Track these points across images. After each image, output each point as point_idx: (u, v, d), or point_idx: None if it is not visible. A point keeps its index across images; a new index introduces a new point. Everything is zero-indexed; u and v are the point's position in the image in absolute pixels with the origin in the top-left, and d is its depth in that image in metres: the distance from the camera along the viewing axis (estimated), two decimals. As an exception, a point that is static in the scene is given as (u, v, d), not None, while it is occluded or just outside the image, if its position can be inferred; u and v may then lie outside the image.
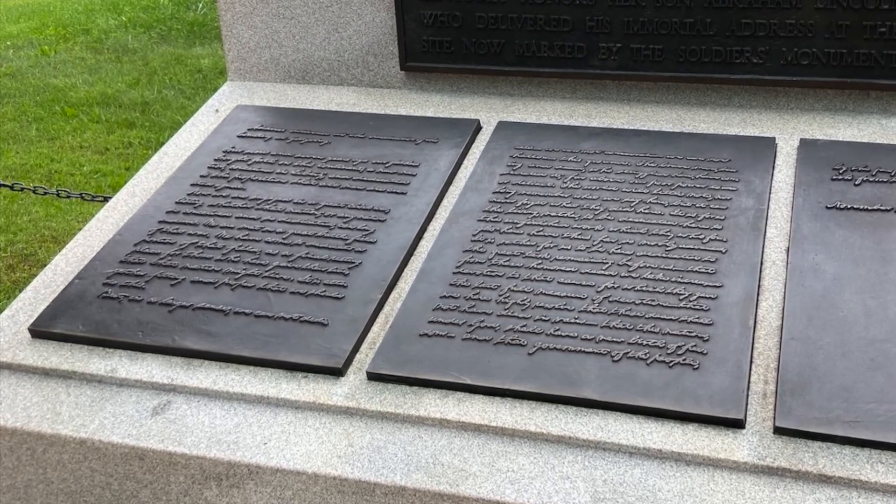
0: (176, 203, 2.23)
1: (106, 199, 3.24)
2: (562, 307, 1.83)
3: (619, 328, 1.77)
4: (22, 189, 3.66)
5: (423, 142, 2.34)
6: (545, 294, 1.87)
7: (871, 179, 2.05)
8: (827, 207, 1.98)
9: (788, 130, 2.28)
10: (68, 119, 5.48)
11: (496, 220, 2.06)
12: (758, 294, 1.82)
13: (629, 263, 1.91)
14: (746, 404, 1.62)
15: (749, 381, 1.66)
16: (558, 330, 1.78)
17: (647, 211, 2.04)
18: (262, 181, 2.27)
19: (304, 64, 2.68)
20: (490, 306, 1.85)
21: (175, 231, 2.15)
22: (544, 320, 1.81)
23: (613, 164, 2.19)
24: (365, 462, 1.64)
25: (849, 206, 1.98)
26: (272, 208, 2.18)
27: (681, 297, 1.82)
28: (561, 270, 1.92)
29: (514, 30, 2.44)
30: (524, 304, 1.85)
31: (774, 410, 1.60)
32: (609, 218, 2.03)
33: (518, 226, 2.04)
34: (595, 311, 1.81)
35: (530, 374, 1.71)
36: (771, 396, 1.64)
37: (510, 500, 1.55)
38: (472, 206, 2.11)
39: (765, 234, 1.95)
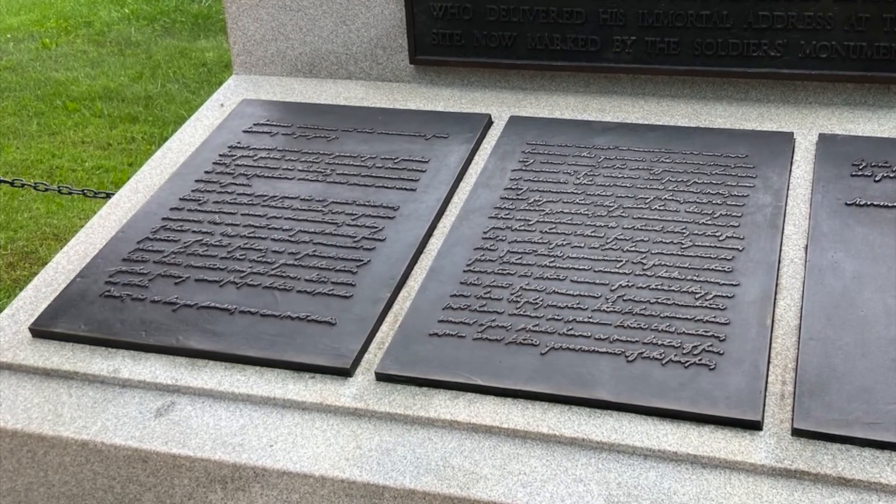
0: (180, 200, 2.22)
1: (108, 196, 3.22)
2: (575, 306, 1.82)
3: (634, 328, 1.76)
4: (23, 185, 3.65)
5: (433, 137, 2.33)
6: (558, 293, 1.85)
7: (891, 175, 2.04)
8: (846, 204, 1.97)
9: (807, 125, 2.27)
10: (70, 114, 5.47)
11: (508, 216, 2.05)
12: (775, 293, 1.81)
13: (644, 261, 1.89)
14: (764, 405, 1.61)
15: (766, 382, 1.65)
16: (571, 329, 1.77)
17: (662, 208, 2.02)
18: (268, 177, 2.26)
19: (311, 57, 2.67)
20: (501, 305, 1.83)
21: (179, 228, 2.13)
22: (557, 319, 1.79)
23: (628, 159, 2.18)
24: (373, 464, 1.63)
25: (869, 203, 1.97)
26: (278, 205, 2.16)
27: (697, 296, 1.80)
28: (574, 269, 1.90)
29: (527, 22, 2.43)
30: (536, 303, 1.83)
31: (792, 412, 1.59)
32: (623, 215, 2.01)
33: (530, 223, 2.02)
34: (609, 310, 1.80)
35: (543, 375, 1.70)
36: (789, 397, 1.63)
37: (522, 503, 1.54)
38: (483, 202, 2.10)
39: (783, 232, 1.94)
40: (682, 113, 2.36)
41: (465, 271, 1.92)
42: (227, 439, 1.71)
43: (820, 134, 2.20)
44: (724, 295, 1.80)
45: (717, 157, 2.15)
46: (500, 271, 1.91)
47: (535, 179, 2.15)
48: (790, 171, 2.10)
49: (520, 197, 2.10)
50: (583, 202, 2.06)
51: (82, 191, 3.60)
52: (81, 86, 5.83)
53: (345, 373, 1.77)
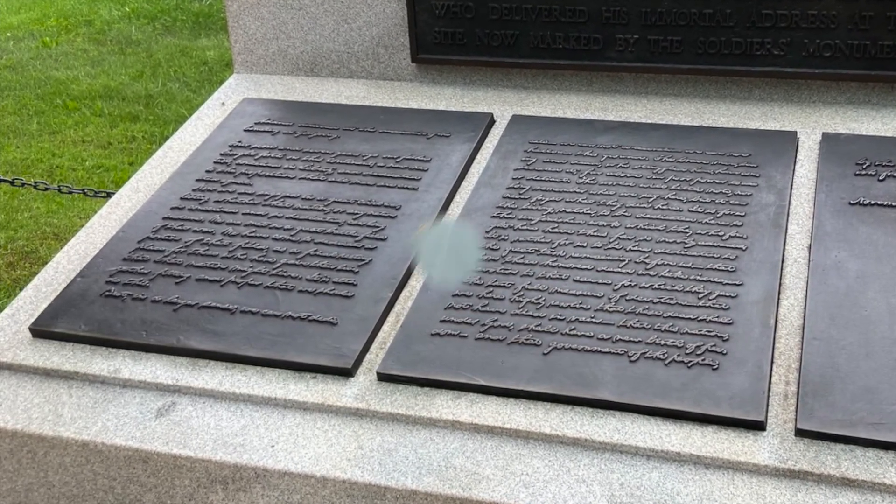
0: (181, 199, 2.21)
1: (109, 195, 3.21)
2: (577, 306, 1.81)
3: (637, 327, 1.75)
4: (23, 184, 3.65)
5: (435, 136, 2.32)
6: (560, 292, 1.84)
7: (895, 175, 2.03)
8: (850, 203, 1.96)
9: (810, 124, 2.26)
10: (70, 113, 5.47)
11: (510, 216, 2.04)
12: (779, 292, 1.80)
13: (647, 261, 1.88)
14: (767, 406, 1.60)
15: (770, 382, 1.64)
16: (574, 329, 1.76)
17: (665, 207, 2.01)
18: (269, 176, 2.25)
19: (312, 56, 2.66)
20: (504, 305, 1.83)
21: (180, 228, 2.12)
22: (559, 319, 1.78)
23: (630, 158, 2.17)
24: (375, 465, 1.63)
25: (872, 202, 1.96)
26: (280, 204, 2.15)
27: (700, 296, 1.79)
28: (576, 268, 1.89)
29: (529, 21, 2.42)
30: (539, 303, 1.82)
31: (796, 412, 1.58)
32: (626, 214, 2.01)
33: (532, 222, 2.01)
34: (612, 309, 1.79)
35: (545, 375, 1.69)
36: (792, 397, 1.62)
37: (524, 503, 1.53)
38: (485, 201, 2.09)
39: (786, 231, 1.94)
40: (684, 112, 2.35)
41: (467, 271, 1.92)
42: (228, 440, 1.70)
43: (823, 133, 2.19)
44: (727, 295, 1.79)
45: (720, 156, 2.14)
46: (502, 271, 1.90)
47: (538, 179, 2.14)
48: (793, 170, 2.09)
49: (522, 196, 2.09)
50: (585, 201, 2.06)
51: (83, 190, 3.60)
52: (82, 84, 5.83)
53: (346, 373, 1.76)
